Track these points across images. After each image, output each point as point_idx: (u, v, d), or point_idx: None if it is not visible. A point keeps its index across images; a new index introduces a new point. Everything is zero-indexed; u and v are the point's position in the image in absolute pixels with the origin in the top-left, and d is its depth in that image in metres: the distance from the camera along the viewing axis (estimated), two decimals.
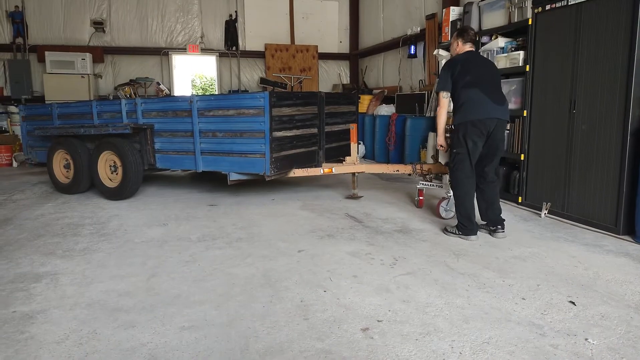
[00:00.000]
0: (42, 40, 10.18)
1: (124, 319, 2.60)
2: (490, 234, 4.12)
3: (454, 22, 6.51)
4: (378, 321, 2.55)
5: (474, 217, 4.03)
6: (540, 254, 3.65)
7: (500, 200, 5.24)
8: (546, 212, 4.70)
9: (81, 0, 10.39)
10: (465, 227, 3.99)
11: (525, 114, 5.00)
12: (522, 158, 5.07)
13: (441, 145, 4.31)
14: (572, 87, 4.42)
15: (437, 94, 4.14)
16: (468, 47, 4.09)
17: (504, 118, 3.95)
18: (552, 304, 2.76)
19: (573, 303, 2.77)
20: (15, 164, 8.69)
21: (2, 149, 8.75)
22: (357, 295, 2.88)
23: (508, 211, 4.93)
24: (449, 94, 4.02)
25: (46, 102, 9.13)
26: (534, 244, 3.89)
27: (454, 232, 4.08)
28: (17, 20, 9.93)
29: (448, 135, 4.32)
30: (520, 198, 5.14)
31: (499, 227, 4.08)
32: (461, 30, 4.20)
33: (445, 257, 3.56)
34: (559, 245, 3.87)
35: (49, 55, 9.80)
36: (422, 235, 4.15)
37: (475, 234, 3.99)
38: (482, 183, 4.09)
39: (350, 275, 3.20)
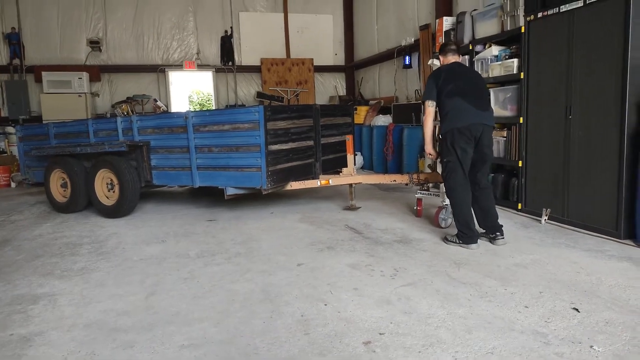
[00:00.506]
0: (38, 60, 10.24)
1: (123, 339, 2.57)
2: (490, 242, 4.10)
3: (447, 32, 6.55)
4: (380, 334, 2.52)
5: (473, 225, 4.02)
6: (542, 260, 3.63)
7: (500, 207, 5.26)
8: (546, 218, 4.68)
9: (77, 20, 10.47)
10: (465, 235, 3.97)
11: (521, 121, 5.01)
12: (520, 165, 5.06)
13: (430, 154, 4.38)
14: (567, 93, 4.43)
15: (423, 103, 4.23)
16: (452, 58, 4.22)
17: (489, 124, 4.04)
18: (555, 311, 2.73)
19: (577, 310, 2.74)
20: (13, 185, 8.67)
21: (0, 169, 8.74)
22: (358, 308, 2.85)
23: (508, 218, 4.91)
24: (435, 103, 4.12)
25: (43, 122, 9.15)
26: (535, 251, 3.86)
27: (454, 240, 4.06)
28: (14, 41, 10.01)
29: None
30: (519, 205, 5.13)
31: (498, 234, 4.07)
32: (442, 46, 4.42)
33: (446, 267, 3.54)
34: (561, 251, 3.85)
35: (46, 76, 9.86)
36: (422, 245, 4.12)
37: (476, 241, 3.97)
38: (477, 190, 4.11)
39: (350, 288, 3.18)
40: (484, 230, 4.18)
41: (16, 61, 10.06)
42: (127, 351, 2.43)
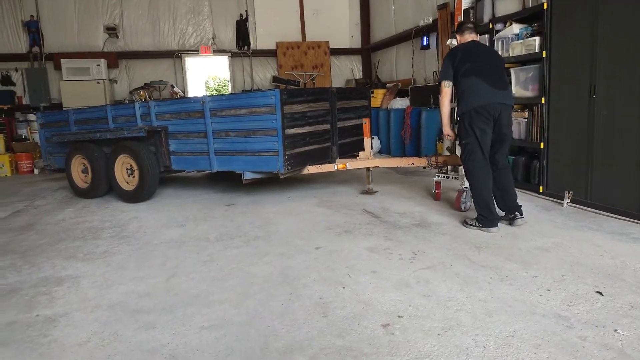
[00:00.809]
0: (57, 48, 10.33)
1: (145, 320, 2.61)
2: (509, 223, 4.05)
3: (466, 11, 6.39)
4: (399, 317, 2.51)
5: (494, 207, 3.95)
6: (564, 244, 3.56)
7: (521, 190, 5.18)
8: (568, 201, 4.58)
9: (94, 7, 10.52)
10: (485, 218, 3.91)
11: (543, 102, 4.89)
12: (542, 147, 4.95)
13: (448, 135, 4.28)
14: (592, 72, 4.29)
15: (440, 83, 4.14)
16: (469, 37, 4.16)
17: (508, 102, 3.94)
18: (578, 295, 2.69)
19: (600, 293, 2.69)
20: (36, 171, 8.85)
21: (23, 156, 8.92)
22: (376, 291, 2.84)
23: (529, 201, 4.83)
24: (451, 83, 4.05)
25: (63, 108, 9.27)
26: (557, 234, 3.80)
27: (473, 224, 4.00)
28: (33, 29, 10.10)
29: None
30: (541, 188, 5.03)
31: (517, 213, 4.02)
32: (459, 24, 4.35)
33: (466, 250, 3.50)
34: (584, 234, 3.77)
35: (65, 63, 9.95)
36: (441, 228, 4.08)
37: (496, 225, 3.91)
38: (495, 171, 4.03)
39: (369, 271, 3.17)
40: (504, 213, 4.13)
41: (35, 49, 10.17)
42: (148, 332, 2.47)
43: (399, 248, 3.61)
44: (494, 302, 2.63)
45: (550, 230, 3.90)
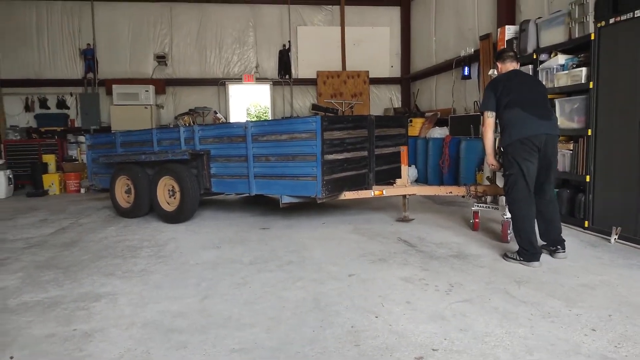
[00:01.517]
0: (110, 74, 10.92)
1: (177, 339, 2.63)
2: (550, 254, 3.95)
3: (509, 41, 6.33)
4: (433, 350, 2.42)
5: (536, 242, 3.82)
6: (612, 282, 3.37)
7: (565, 224, 4.99)
8: (616, 237, 4.36)
9: (146, 36, 11.09)
10: (527, 252, 3.77)
11: (589, 133, 4.73)
12: (588, 180, 4.76)
13: (492, 165, 4.24)
14: None
15: (482, 113, 4.13)
16: (510, 66, 4.14)
17: (553, 133, 3.87)
18: (627, 336, 2.52)
19: None
20: (82, 190, 9.23)
21: (72, 176, 9.34)
22: (410, 322, 2.76)
23: (573, 236, 4.63)
24: (494, 114, 4.02)
25: (112, 131, 9.71)
26: (603, 272, 3.60)
27: (514, 257, 3.86)
28: (89, 56, 10.75)
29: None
30: (586, 222, 4.81)
31: (559, 247, 3.93)
32: (499, 53, 4.35)
33: (506, 284, 3.37)
34: (633, 272, 3.56)
35: (116, 88, 10.49)
36: (480, 261, 3.96)
37: (538, 259, 3.76)
38: (542, 203, 3.96)
39: (403, 301, 3.09)
40: (545, 243, 4.01)
41: (90, 75, 10.79)
42: (180, 352, 2.48)
43: (435, 279, 3.51)
44: (535, 340, 2.50)
45: (596, 267, 3.71)
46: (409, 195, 5.46)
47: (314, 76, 11.67)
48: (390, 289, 3.32)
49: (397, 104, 12.16)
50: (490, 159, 4.20)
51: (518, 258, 3.83)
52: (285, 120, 8.52)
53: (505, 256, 3.97)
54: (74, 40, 10.85)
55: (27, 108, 10.76)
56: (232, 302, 3.17)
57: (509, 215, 4.17)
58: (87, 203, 7.82)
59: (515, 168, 3.81)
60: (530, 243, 3.77)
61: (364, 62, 11.86)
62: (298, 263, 4.02)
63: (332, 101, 11.47)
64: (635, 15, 4.15)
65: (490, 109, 4.00)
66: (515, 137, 3.79)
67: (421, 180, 8.99)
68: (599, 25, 4.57)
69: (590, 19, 4.81)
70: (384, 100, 12.22)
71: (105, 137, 7.34)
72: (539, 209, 3.94)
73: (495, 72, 6.39)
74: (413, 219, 5.53)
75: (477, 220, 4.91)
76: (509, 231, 4.39)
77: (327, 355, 2.39)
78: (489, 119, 4.04)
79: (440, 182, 8.21)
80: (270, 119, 11.98)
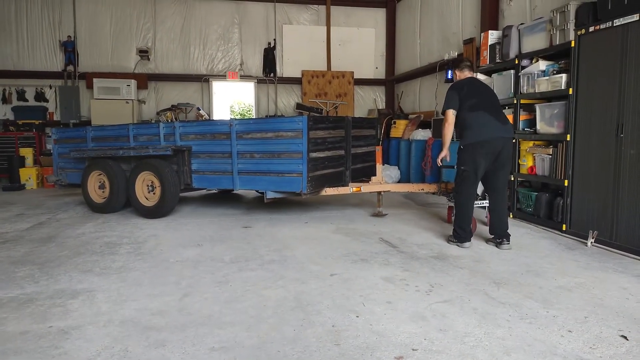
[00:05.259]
0: (91, 67, 10.70)
1: (156, 337, 2.59)
2: (496, 246, 4.42)
3: (492, 46, 6.42)
4: (413, 350, 2.44)
5: (468, 227, 4.43)
6: (587, 284, 3.44)
7: (543, 228, 5.13)
8: (593, 240, 4.46)
9: (129, 30, 10.90)
10: (459, 235, 4.43)
11: (568, 138, 4.82)
12: (566, 184, 4.86)
13: (445, 155, 4.67)
14: (619, 110, 4.24)
15: (445, 112, 4.48)
16: (468, 73, 4.60)
17: (509, 136, 4.36)
18: (601, 337, 2.58)
19: (625, 337, 2.57)
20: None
21: (50, 170, 9.11)
22: (391, 322, 2.78)
23: (551, 239, 4.72)
24: (456, 112, 4.40)
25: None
26: (580, 274, 3.68)
27: (452, 240, 4.51)
28: (69, 49, 10.51)
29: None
30: (564, 226, 4.91)
31: (505, 239, 4.38)
32: (457, 61, 4.80)
33: (485, 286, 3.41)
34: (608, 275, 3.64)
35: (97, 82, 10.27)
36: (460, 262, 4.00)
37: (469, 240, 4.42)
38: (494, 201, 4.45)
39: (384, 301, 3.11)
40: (493, 236, 4.50)
41: (70, 68, 10.56)
42: (159, 350, 2.45)
43: (415, 280, 3.54)
44: (513, 340, 2.54)
45: (573, 270, 3.79)
46: (384, 191, 5.92)
47: (299, 75, 11.64)
48: (372, 289, 3.33)
49: (382, 105, 12.21)
50: (445, 152, 4.65)
51: (453, 240, 4.49)
52: (272, 119, 8.53)
53: (448, 241, 4.60)
54: (54, 32, 10.59)
55: (4, 100, 10.46)
56: (213, 300, 3.15)
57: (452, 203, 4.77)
58: (64, 198, 7.67)
59: (469, 165, 4.29)
60: (463, 229, 4.41)
61: (349, 62, 11.88)
62: (280, 262, 4.01)
63: (317, 101, 11.46)
64: (614, 24, 4.25)
65: (454, 107, 4.39)
66: (476, 139, 4.24)
67: (404, 181, 9.02)
68: (579, 33, 4.67)
69: (571, 26, 4.90)
70: (368, 101, 12.26)
71: (75, 132, 7.11)
72: (492, 207, 4.47)
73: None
74: (387, 214, 5.88)
75: (451, 214, 5.21)
76: (453, 214, 4.86)
77: (308, 354, 2.39)
78: (452, 116, 4.41)
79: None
80: (254, 117, 11.92)
